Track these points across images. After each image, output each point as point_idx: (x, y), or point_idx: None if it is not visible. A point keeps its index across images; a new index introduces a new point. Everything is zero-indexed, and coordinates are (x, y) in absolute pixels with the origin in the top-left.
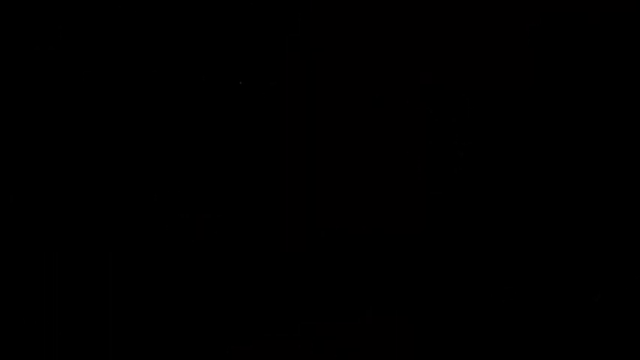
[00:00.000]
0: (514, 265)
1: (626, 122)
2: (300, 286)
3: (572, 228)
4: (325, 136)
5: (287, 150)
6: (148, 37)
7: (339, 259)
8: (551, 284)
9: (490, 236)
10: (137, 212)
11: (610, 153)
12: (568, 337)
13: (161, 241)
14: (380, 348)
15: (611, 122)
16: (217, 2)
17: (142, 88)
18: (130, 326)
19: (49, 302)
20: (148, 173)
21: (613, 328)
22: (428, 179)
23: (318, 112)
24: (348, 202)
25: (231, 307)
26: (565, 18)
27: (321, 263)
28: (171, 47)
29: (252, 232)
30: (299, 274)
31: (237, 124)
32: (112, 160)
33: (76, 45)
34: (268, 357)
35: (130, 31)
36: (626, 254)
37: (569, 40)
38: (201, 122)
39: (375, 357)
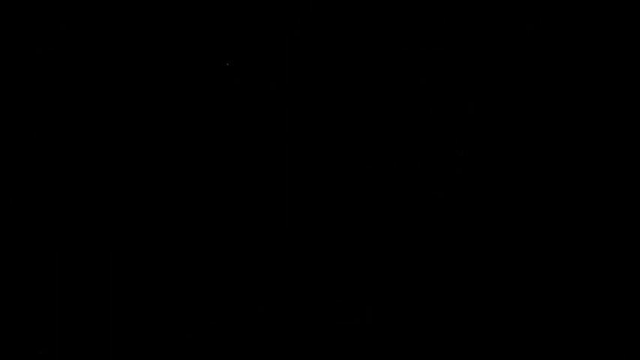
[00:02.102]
0: (514, 265)
1: (626, 122)
2: (299, 286)
3: (571, 228)
4: (325, 136)
5: (287, 150)
6: (148, 37)
7: (339, 259)
8: (552, 284)
9: (490, 236)
10: (137, 212)
11: (610, 153)
12: (568, 337)
13: (161, 241)
14: (380, 348)
15: (611, 122)
16: (217, 2)
17: (141, 88)
18: (130, 326)
19: (49, 302)
20: (148, 173)
21: (613, 328)
22: (428, 179)
23: (318, 113)
24: (348, 201)
25: (231, 307)
26: (565, 18)
27: (320, 263)
28: (171, 47)
29: (252, 232)
30: (298, 274)
31: (237, 124)
32: (112, 160)
33: (76, 45)
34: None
35: (130, 31)
36: (626, 254)
37: (569, 40)
38: (201, 122)
39: (375, 357)
